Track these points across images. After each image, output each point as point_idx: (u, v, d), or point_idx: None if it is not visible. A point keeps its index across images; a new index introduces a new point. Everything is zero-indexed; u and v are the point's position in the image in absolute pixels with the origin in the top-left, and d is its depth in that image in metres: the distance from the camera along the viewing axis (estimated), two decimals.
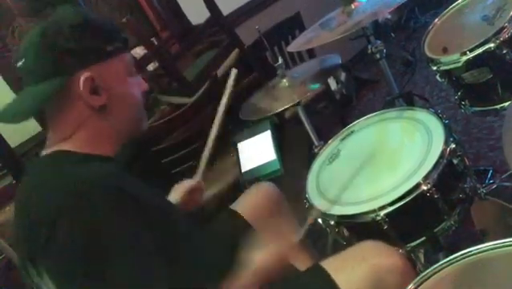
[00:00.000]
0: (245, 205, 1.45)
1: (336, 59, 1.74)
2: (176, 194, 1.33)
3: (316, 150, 1.63)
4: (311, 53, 2.71)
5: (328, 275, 1.06)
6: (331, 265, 1.10)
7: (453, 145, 1.21)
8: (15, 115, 0.92)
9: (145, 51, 2.73)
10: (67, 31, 0.90)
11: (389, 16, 3.30)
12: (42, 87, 0.89)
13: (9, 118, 0.92)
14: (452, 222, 1.20)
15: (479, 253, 0.83)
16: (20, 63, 0.91)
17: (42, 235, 0.81)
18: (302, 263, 1.37)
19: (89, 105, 0.92)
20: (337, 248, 1.28)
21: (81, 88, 0.90)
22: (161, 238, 0.87)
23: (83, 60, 0.91)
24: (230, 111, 1.46)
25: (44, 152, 0.95)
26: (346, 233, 1.25)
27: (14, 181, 2.08)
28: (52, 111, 0.94)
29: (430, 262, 1.20)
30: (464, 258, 0.84)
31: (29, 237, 0.85)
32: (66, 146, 0.93)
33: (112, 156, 0.97)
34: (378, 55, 1.76)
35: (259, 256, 1.00)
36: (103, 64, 0.93)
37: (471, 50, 1.39)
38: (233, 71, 1.40)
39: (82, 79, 0.90)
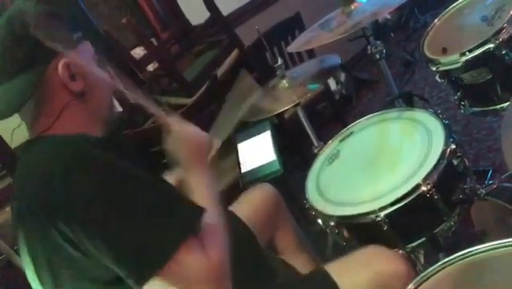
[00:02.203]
0: (244, 206, 1.45)
1: (336, 60, 1.74)
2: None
3: (316, 150, 1.63)
4: (311, 53, 2.71)
5: (332, 280, 1.06)
6: (334, 269, 1.09)
7: (453, 146, 1.21)
8: None
9: (145, 52, 2.73)
10: (33, 21, 0.88)
11: (389, 16, 3.30)
12: (19, 82, 0.87)
13: None
14: (452, 223, 1.20)
15: (479, 253, 0.83)
16: None
17: (57, 195, 0.79)
18: (302, 265, 1.37)
19: (70, 91, 0.91)
20: (337, 249, 1.28)
21: (61, 75, 0.88)
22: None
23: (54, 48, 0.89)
24: None
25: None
26: (346, 234, 1.25)
27: None
28: (30, 105, 0.90)
29: (430, 262, 1.20)
30: (464, 258, 0.84)
31: (45, 205, 0.82)
32: (49, 132, 0.91)
33: (99, 137, 0.96)
34: (377, 56, 1.77)
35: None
36: (73, 51, 0.92)
37: (470, 51, 1.39)
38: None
39: (61, 65, 0.88)
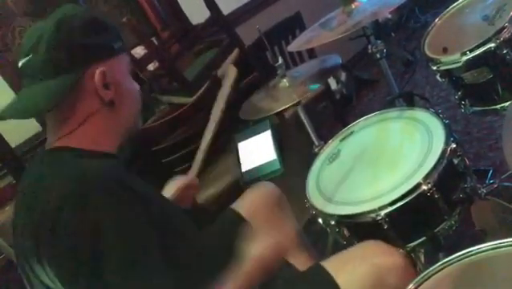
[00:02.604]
0: (246, 205, 1.45)
1: (336, 59, 1.74)
2: (169, 190, 1.33)
3: (316, 150, 1.63)
4: (312, 53, 2.71)
5: (329, 275, 1.06)
6: (331, 265, 1.10)
7: (454, 145, 1.21)
8: (27, 110, 0.92)
9: (145, 51, 2.72)
10: (80, 27, 0.91)
11: (389, 16, 3.30)
12: (57, 82, 0.89)
13: (20, 114, 0.92)
14: (452, 222, 1.20)
15: (479, 253, 0.83)
16: (26, 59, 0.90)
17: (46, 225, 0.80)
18: (302, 263, 1.37)
19: (100, 99, 0.93)
20: (337, 248, 1.28)
21: (96, 82, 0.91)
22: (161, 236, 0.86)
23: (95, 55, 0.93)
24: (229, 109, 1.44)
25: (47, 148, 0.95)
26: (346, 233, 1.25)
27: (14, 181, 2.08)
28: (59, 106, 0.92)
29: (430, 262, 1.20)
30: (464, 258, 0.84)
31: (32, 230, 0.84)
32: (69, 142, 0.92)
33: (115, 154, 0.98)
34: (378, 55, 1.76)
35: (256, 249, 0.97)
36: (111, 61, 0.95)
37: (471, 50, 1.39)
38: (232, 70, 1.36)
39: (97, 72, 0.92)
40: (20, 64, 0.92)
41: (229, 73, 1.32)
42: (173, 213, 1.09)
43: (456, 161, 1.21)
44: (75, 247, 0.79)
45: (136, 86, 1.03)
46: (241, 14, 3.12)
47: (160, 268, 0.81)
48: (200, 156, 1.43)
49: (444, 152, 1.19)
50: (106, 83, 0.93)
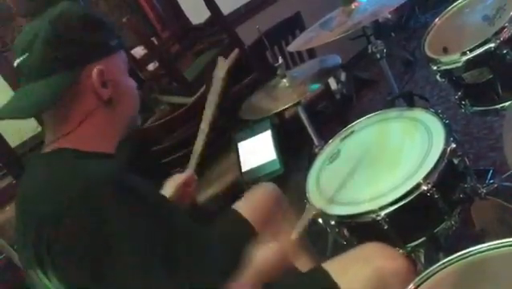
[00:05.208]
0: (247, 205, 1.45)
1: (336, 60, 1.74)
2: (168, 188, 1.33)
3: (317, 150, 1.63)
4: (311, 53, 2.71)
5: (330, 277, 1.05)
6: (333, 267, 1.09)
7: (454, 145, 1.21)
8: (24, 110, 0.90)
9: (145, 51, 2.73)
10: (76, 24, 0.90)
11: (389, 16, 3.30)
12: (54, 81, 0.88)
13: (17, 113, 0.90)
14: (452, 222, 1.20)
15: (479, 253, 0.83)
16: (22, 58, 0.89)
17: (47, 234, 0.80)
18: (302, 264, 1.37)
19: (98, 98, 0.92)
20: (337, 248, 1.28)
21: (94, 80, 0.90)
22: (164, 237, 0.86)
23: (92, 53, 0.92)
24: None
25: (45, 150, 0.94)
26: (346, 233, 1.25)
27: (14, 181, 2.08)
28: (57, 105, 0.91)
29: (430, 262, 1.20)
30: (464, 258, 0.84)
31: (35, 238, 0.83)
32: (67, 143, 0.91)
33: (113, 153, 0.98)
34: (378, 55, 1.76)
35: (260, 255, 1.00)
36: (108, 58, 0.94)
37: (471, 50, 1.39)
38: (221, 59, 1.37)
39: (95, 71, 0.90)
40: (16, 63, 0.90)
41: (219, 66, 1.32)
42: (174, 211, 1.08)
43: (456, 161, 1.21)
44: (79, 249, 0.78)
45: (133, 83, 1.02)
46: (241, 14, 3.12)
47: (163, 273, 0.81)
48: (197, 149, 1.42)
49: (444, 152, 1.19)
50: (104, 81, 0.92)
